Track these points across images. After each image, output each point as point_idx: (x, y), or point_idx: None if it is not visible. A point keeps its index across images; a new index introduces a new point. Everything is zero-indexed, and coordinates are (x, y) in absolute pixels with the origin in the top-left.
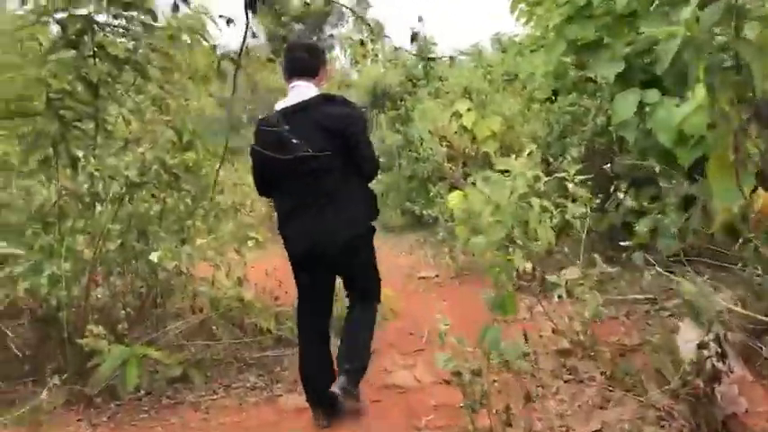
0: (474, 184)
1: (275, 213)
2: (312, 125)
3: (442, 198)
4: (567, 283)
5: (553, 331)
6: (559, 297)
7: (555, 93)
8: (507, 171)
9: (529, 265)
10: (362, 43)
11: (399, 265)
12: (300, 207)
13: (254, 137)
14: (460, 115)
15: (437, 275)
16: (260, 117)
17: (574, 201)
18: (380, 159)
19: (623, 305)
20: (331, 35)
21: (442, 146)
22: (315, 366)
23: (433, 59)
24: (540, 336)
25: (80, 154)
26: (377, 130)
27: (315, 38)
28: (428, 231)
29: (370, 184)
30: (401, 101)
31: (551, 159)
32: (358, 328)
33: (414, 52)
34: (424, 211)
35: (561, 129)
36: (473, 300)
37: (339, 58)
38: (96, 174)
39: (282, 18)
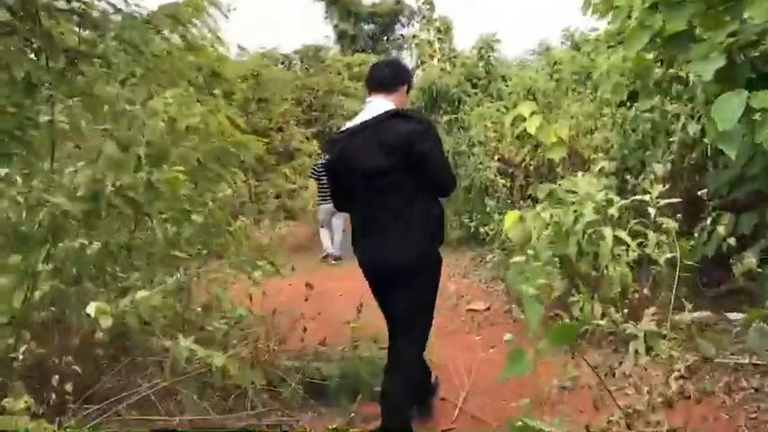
0: (535, 201)
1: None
2: (378, 142)
3: (499, 214)
4: (646, 335)
5: (627, 415)
6: (636, 353)
7: (633, 95)
8: (574, 191)
9: (597, 310)
10: (430, 43)
11: (448, 292)
12: (367, 224)
13: (328, 151)
14: (523, 119)
15: (488, 308)
16: (337, 131)
17: (656, 230)
18: None
19: (722, 371)
20: (401, 35)
21: (493, 158)
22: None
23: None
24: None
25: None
26: None
27: (385, 38)
28: (486, 248)
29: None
30: (459, 103)
31: (628, 176)
32: (398, 372)
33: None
34: (481, 228)
35: (640, 138)
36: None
37: (405, 59)
38: (20, 200)
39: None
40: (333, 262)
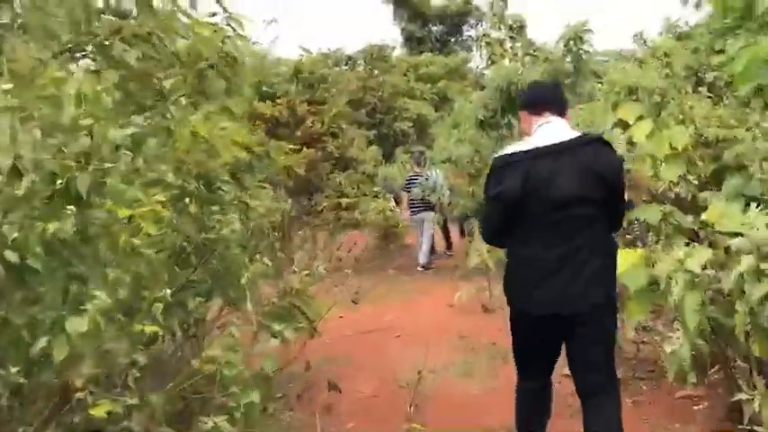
0: (661, 238)
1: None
2: (583, 168)
3: None
4: None
5: None
6: None
7: None
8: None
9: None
10: (500, 42)
11: None
12: (553, 260)
13: (494, 175)
14: (626, 125)
15: None
16: (504, 154)
17: None
18: None
19: None
20: (470, 36)
21: None
22: None
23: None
24: None
25: None
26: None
27: (453, 39)
28: None
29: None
30: None
31: None
32: None
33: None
34: None
35: None
36: None
37: (474, 60)
38: None
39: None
40: (420, 269)
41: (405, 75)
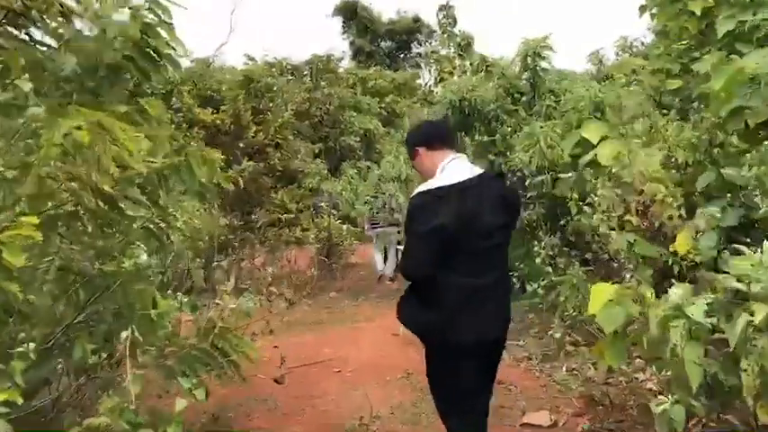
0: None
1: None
2: (499, 199)
3: (551, 267)
4: None
5: None
6: None
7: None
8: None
9: None
10: (449, 59)
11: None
12: (477, 288)
13: (422, 211)
14: (590, 145)
15: (553, 422)
16: (426, 189)
17: None
18: None
19: None
20: (419, 53)
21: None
22: None
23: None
24: None
25: None
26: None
27: (402, 55)
28: (534, 310)
29: None
30: (497, 122)
31: None
32: None
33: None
34: (528, 283)
35: None
36: None
37: (423, 76)
38: None
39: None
40: (388, 282)
41: (352, 88)
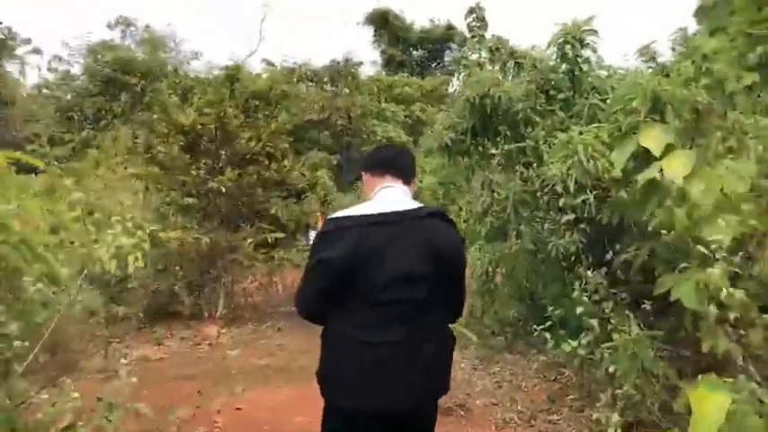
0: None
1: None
2: (420, 243)
3: (603, 324)
4: None
5: None
6: None
7: None
8: None
9: None
10: (479, 65)
11: None
12: (381, 345)
13: (323, 240)
14: (652, 157)
15: None
16: (336, 216)
17: None
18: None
19: None
20: (451, 62)
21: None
22: None
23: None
24: None
25: None
26: (479, 173)
27: (434, 64)
28: (569, 365)
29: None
30: (527, 125)
31: None
32: None
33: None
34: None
35: None
36: None
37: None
38: None
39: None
40: None
41: (377, 95)
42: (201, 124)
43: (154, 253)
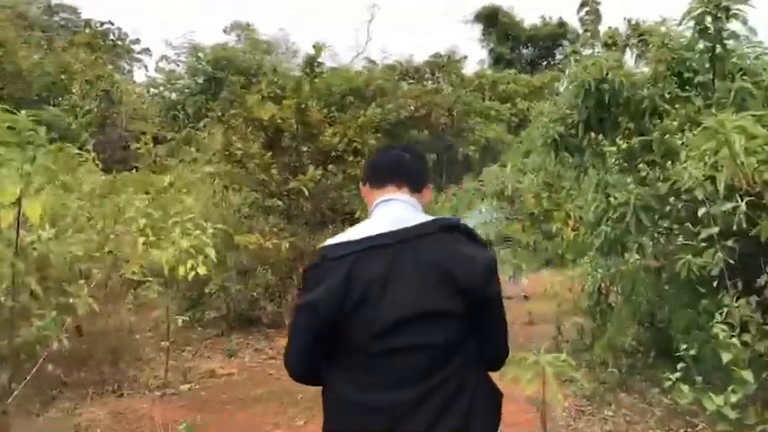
0: None
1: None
2: (430, 268)
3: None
4: None
5: None
6: None
7: None
8: None
9: None
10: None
11: None
12: (383, 412)
13: (311, 275)
14: None
15: None
16: (328, 244)
17: None
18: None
19: None
20: (563, 57)
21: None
22: None
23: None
24: None
25: None
26: (592, 173)
27: (544, 62)
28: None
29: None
30: (654, 114)
31: None
32: None
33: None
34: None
35: None
36: None
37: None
38: None
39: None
40: None
41: (481, 92)
42: (281, 118)
43: (232, 256)
